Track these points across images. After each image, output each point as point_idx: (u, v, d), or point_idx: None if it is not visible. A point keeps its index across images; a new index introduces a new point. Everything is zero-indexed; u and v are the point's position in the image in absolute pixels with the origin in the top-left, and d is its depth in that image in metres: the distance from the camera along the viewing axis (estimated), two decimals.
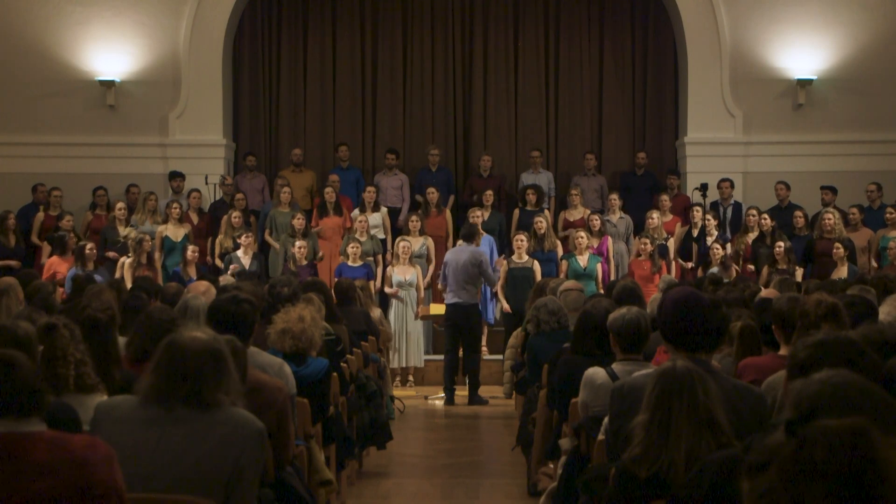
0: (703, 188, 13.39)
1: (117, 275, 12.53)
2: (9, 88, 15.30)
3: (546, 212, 14.64)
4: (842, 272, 12.34)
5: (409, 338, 13.27)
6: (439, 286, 12.80)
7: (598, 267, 13.18)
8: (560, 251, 13.61)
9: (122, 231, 13.79)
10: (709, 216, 13.76)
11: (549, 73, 16.34)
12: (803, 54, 15.23)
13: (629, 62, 16.32)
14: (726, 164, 15.09)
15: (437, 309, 12.97)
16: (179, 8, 15.35)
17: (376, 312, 11.45)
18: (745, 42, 15.32)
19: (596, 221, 13.87)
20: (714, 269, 12.66)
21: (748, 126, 15.34)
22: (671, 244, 13.85)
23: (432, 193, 14.61)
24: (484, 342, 13.24)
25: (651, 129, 16.36)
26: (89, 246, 12.63)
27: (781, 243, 12.88)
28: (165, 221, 14.00)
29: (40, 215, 14.42)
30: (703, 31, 15.30)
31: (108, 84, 15.30)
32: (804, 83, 15.22)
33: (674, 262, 13.78)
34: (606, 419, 4.71)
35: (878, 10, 15.26)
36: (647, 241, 13.41)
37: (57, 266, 12.71)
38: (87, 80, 15.34)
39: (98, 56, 15.33)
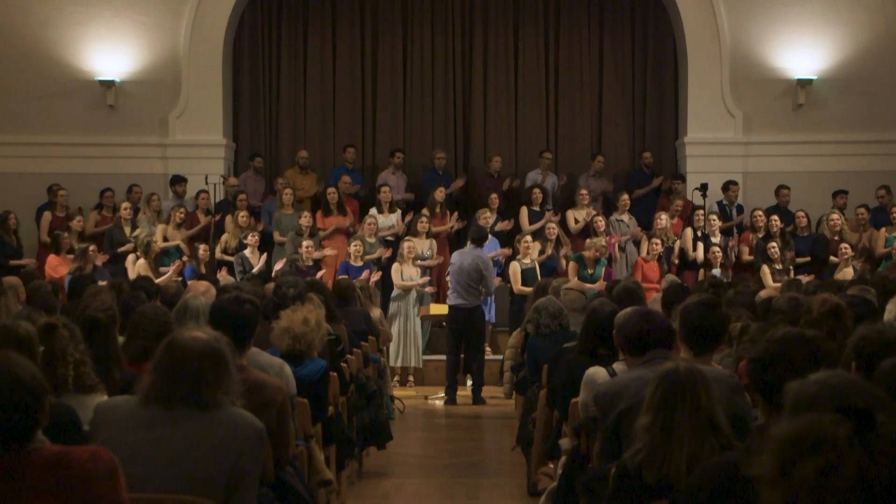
0: (704, 188, 13.38)
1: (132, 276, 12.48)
2: (9, 88, 15.30)
3: (548, 213, 14.63)
4: (847, 273, 12.36)
5: (409, 338, 13.27)
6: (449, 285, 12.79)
7: (604, 272, 13.17)
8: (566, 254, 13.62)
9: (128, 232, 13.79)
10: (713, 217, 13.75)
11: (549, 73, 16.33)
12: (803, 54, 15.23)
13: (629, 62, 16.32)
14: (726, 164, 15.10)
15: (438, 309, 12.96)
16: (179, 8, 15.35)
17: (376, 312, 11.45)
18: (745, 42, 15.32)
19: (600, 223, 13.85)
20: (716, 271, 12.66)
21: (748, 126, 15.34)
22: (677, 246, 13.80)
23: (441, 193, 14.59)
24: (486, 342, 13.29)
25: (651, 129, 16.36)
26: (91, 247, 12.59)
27: (774, 244, 12.92)
28: (167, 223, 14.00)
29: (48, 215, 14.41)
30: (703, 31, 15.30)
31: (108, 84, 15.31)
32: (804, 83, 15.22)
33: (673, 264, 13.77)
34: None
35: (878, 10, 15.26)
36: (658, 241, 13.40)
37: (56, 265, 12.65)
38: (87, 80, 15.34)
39: (98, 56, 15.33)
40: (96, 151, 15.20)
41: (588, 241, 13.46)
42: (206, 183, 14.73)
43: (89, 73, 15.36)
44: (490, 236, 13.58)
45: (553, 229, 13.75)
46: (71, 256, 12.77)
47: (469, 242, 12.59)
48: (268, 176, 15.92)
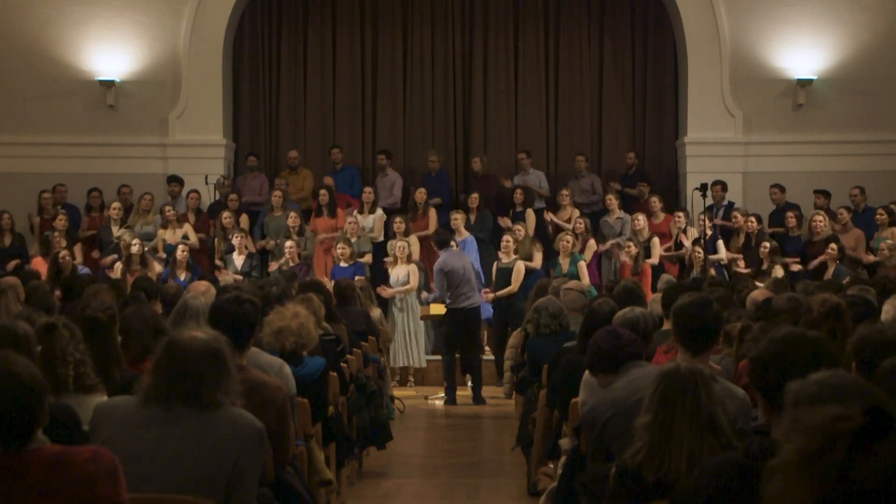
0: (703, 188, 13.36)
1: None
2: (9, 88, 15.30)
3: (530, 211, 14.61)
4: (828, 273, 12.41)
5: (410, 338, 13.26)
6: (432, 295, 12.76)
7: (580, 266, 13.12)
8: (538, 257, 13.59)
9: (116, 232, 13.78)
10: (702, 217, 13.73)
11: (549, 73, 16.33)
12: (803, 54, 15.23)
13: (629, 62, 16.31)
14: (726, 164, 15.09)
15: (438, 309, 12.96)
16: (179, 8, 15.35)
17: (376, 312, 11.45)
18: (745, 42, 15.31)
19: (580, 224, 13.86)
20: (695, 273, 12.64)
21: (748, 126, 15.33)
22: (654, 244, 13.74)
23: (421, 194, 14.64)
24: (485, 341, 13.32)
25: (651, 129, 16.35)
26: (62, 254, 12.57)
27: (767, 244, 12.92)
28: (164, 226, 14.00)
29: (37, 219, 14.40)
30: (703, 31, 15.29)
31: (108, 84, 15.30)
32: (804, 83, 15.21)
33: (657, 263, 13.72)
34: None
35: (878, 10, 15.26)
36: (631, 243, 13.43)
37: (40, 268, 12.50)
38: (87, 80, 15.34)
39: (98, 56, 15.33)
40: (96, 151, 15.20)
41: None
42: (206, 183, 14.73)
43: (89, 73, 15.35)
44: (468, 235, 13.67)
45: (520, 231, 13.59)
46: None
47: (438, 249, 12.60)
48: (269, 175, 15.89)
